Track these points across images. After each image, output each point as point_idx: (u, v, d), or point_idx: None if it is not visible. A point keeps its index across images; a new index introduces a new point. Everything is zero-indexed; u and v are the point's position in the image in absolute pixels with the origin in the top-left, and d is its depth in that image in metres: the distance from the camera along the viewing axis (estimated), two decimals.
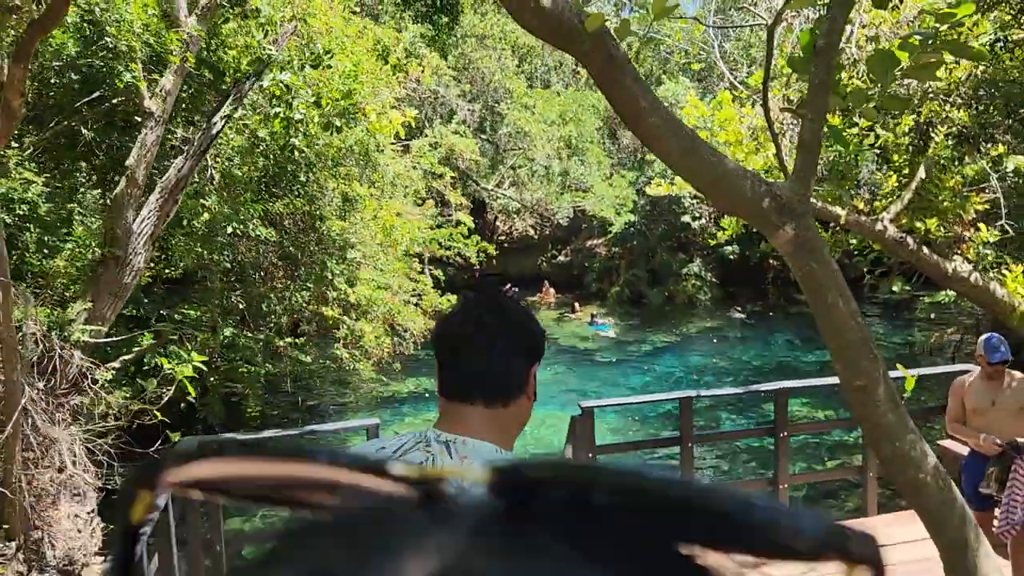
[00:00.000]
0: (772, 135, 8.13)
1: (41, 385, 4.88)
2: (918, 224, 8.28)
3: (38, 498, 4.78)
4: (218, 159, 8.19)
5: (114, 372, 5.73)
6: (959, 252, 8.43)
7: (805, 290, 3.13)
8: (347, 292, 11.20)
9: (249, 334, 10.64)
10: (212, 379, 10.42)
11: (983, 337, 5.39)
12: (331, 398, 15.98)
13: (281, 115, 5.03)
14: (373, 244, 11.86)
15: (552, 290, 27.20)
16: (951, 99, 8.11)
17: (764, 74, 7.99)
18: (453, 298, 12.75)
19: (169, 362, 6.07)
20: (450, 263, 14.21)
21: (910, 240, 7.91)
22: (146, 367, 6.78)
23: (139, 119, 6.00)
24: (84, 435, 5.10)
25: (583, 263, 28.01)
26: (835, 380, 8.31)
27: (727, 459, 11.05)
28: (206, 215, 8.03)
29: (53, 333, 5.12)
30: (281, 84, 4.97)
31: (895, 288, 17.85)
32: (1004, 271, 7.91)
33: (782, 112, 7.42)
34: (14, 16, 4.13)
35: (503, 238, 26.85)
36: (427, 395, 15.36)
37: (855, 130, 8.49)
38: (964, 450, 7.03)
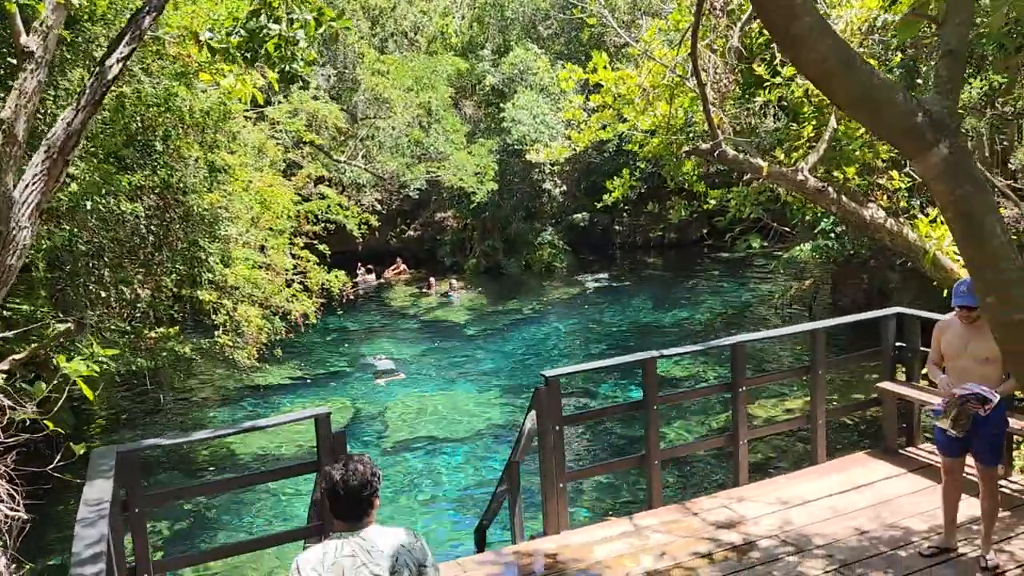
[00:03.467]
0: (699, 84, 7.85)
1: None
2: (836, 173, 8.39)
3: None
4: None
5: (4, 377, 4.57)
6: (874, 200, 8.61)
7: (954, 217, 2.78)
8: (223, 273, 10.01)
9: (114, 326, 9.29)
10: (54, 381, 9.08)
11: (958, 281, 5.25)
12: (192, 393, 14.49)
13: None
14: (247, 219, 10.69)
15: (404, 266, 26.38)
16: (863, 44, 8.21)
17: (695, 20, 7.65)
18: (341, 274, 11.76)
19: (66, 360, 4.96)
20: (321, 238, 13.05)
21: (831, 189, 8.00)
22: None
23: (12, 61, 4.73)
24: None
25: (434, 236, 27.33)
26: (789, 330, 8.25)
27: (673, 417, 10.93)
28: (74, 186, 6.72)
29: None
30: None
31: (754, 245, 18.60)
32: (920, 216, 8.19)
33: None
34: None
35: None
36: (306, 382, 14.21)
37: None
38: (905, 391, 7.19)
